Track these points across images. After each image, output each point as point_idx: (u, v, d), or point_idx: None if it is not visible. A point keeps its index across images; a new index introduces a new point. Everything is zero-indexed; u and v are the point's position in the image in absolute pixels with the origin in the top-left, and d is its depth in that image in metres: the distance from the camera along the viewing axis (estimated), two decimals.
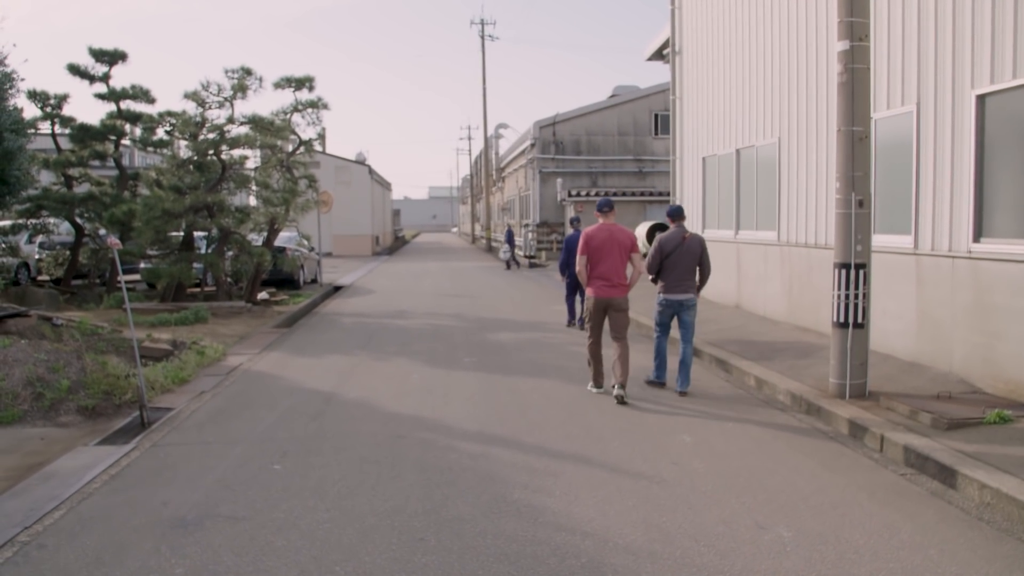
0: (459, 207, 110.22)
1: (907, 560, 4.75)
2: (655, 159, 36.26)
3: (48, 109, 18.56)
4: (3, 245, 18.23)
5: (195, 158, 18.18)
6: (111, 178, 19.82)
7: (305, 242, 24.50)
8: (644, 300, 12.80)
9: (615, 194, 33.16)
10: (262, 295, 18.84)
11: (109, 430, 7.84)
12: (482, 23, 49.77)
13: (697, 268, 9.31)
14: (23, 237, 19.58)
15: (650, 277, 9.51)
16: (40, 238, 20.59)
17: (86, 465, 6.71)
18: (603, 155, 37.28)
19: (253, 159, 20.62)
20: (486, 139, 52.69)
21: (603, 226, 9.16)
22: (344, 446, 7.22)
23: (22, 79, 14.25)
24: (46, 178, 19.99)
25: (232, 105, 18.01)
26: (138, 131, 19.68)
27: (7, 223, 18.41)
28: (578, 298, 14.15)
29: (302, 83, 18.78)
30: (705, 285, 9.52)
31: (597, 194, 33.37)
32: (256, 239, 19.16)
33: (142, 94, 18.97)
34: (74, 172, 19.07)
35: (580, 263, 9.20)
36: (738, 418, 8.08)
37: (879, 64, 9.86)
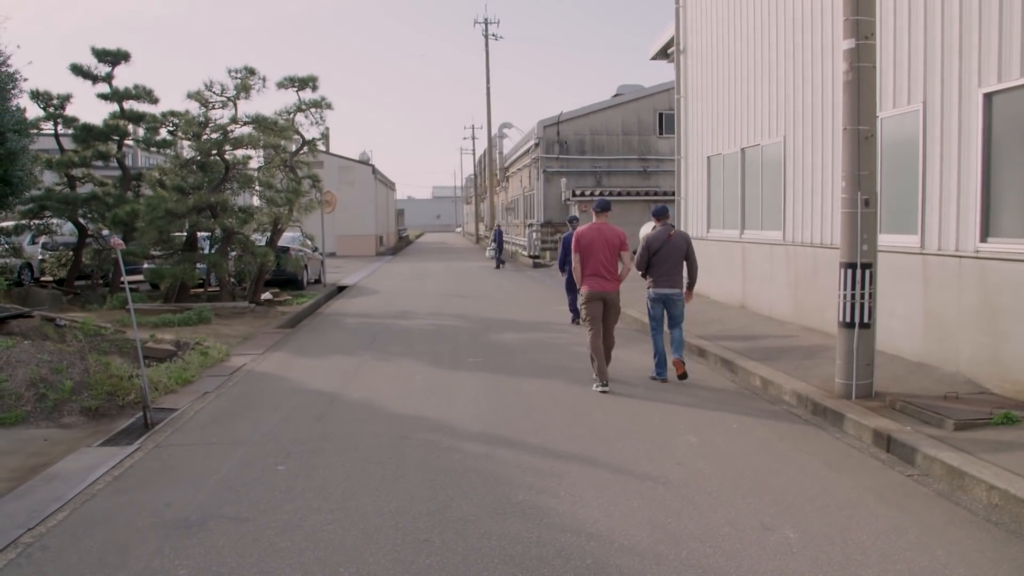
0: (463, 207, 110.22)
1: (914, 561, 4.71)
2: (660, 158, 36.20)
3: (51, 109, 18.58)
4: (6, 246, 18.25)
5: (198, 158, 18.18)
6: (114, 178, 19.84)
7: (309, 242, 24.49)
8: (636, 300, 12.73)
9: (619, 193, 33.11)
10: (265, 295, 18.83)
11: (112, 431, 7.82)
12: (486, 22, 49.86)
13: (684, 264, 9.92)
14: (26, 238, 19.61)
15: (640, 273, 10.06)
16: (43, 239, 20.61)
17: (89, 466, 6.69)
18: (607, 154, 37.22)
19: (256, 159, 20.62)
20: (490, 139, 52.73)
21: (593, 225, 9.66)
22: (348, 447, 7.20)
23: (25, 79, 14.26)
24: (49, 178, 20.00)
25: (235, 105, 18.02)
26: (141, 131, 19.69)
27: (10, 224, 18.43)
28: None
29: (305, 83, 18.77)
30: (695, 280, 10.14)
31: (601, 193, 33.33)
32: (260, 239, 19.17)
33: (145, 94, 18.97)
34: (77, 172, 19.08)
35: (574, 260, 9.70)
36: (744, 418, 8.05)
37: (885, 62, 9.83)
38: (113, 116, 18.95)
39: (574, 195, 33.58)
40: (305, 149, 19.90)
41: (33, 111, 18.02)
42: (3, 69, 13.46)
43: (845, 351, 8.13)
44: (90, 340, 11.02)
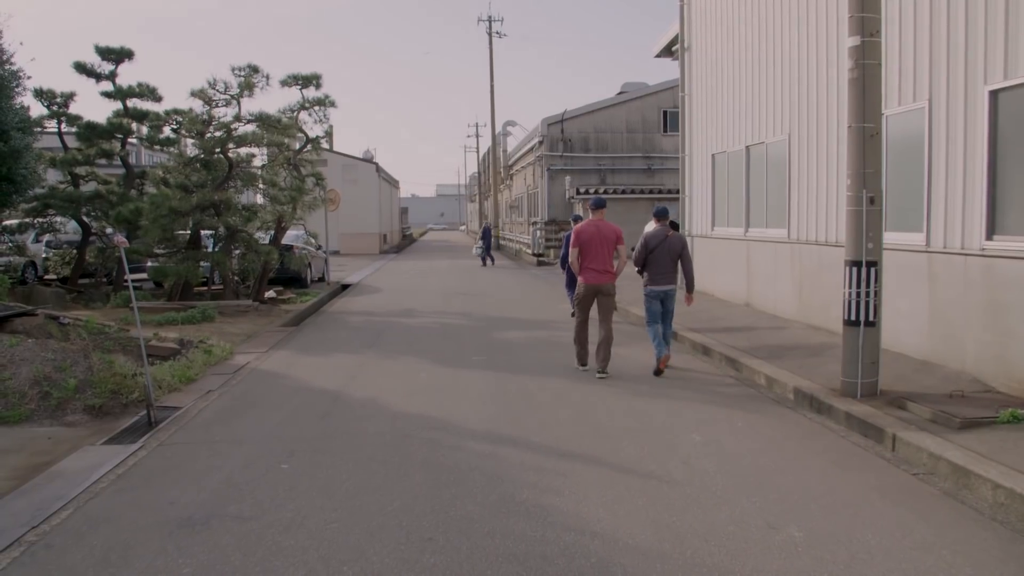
0: (467, 205, 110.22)
1: (920, 560, 4.69)
2: (664, 156, 36.15)
3: (55, 107, 18.58)
4: (10, 244, 18.27)
5: (202, 156, 18.16)
6: (118, 176, 19.84)
7: (312, 240, 24.49)
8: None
9: (623, 191, 33.10)
10: (269, 294, 18.82)
11: (116, 429, 7.82)
12: (489, 20, 49.78)
13: (679, 263, 10.44)
14: (30, 236, 19.62)
15: (636, 270, 10.60)
16: (47, 237, 20.62)
17: (93, 464, 6.69)
18: (612, 152, 37.17)
19: (260, 157, 20.60)
20: (494, 136, 52.67)
21: (591, 222, 10.31)
22: (352, 445, 7.19)
23: (29, 77, 14.29)
24: (53, 177, 20.02)
25: (239, 103, 17.99)
26: (145, 129, 19.69)
27: (14, 222, 18.44)
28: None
29: (309, 81, 18.75)
30: (693, 283, 10.61)
31: (605, 191, 33.30)
32: (263, 237, 19.14)
33: (149, 92, 18.97)
34: (81, 171, 19.07)
35: (572, 255, 10.39)
36: (748, 417, 8.03)
37: (890, 60, 9.79)
38: (117, 114, 18.96)
39: (578, 193, 33.57)
40: (309, 147, 19.87)
41: (37, 109, 18.04)
42: (6, 67, 13.46)
43: (850, 349, 8.11)
44: (94, 338, 11.01)
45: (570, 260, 10.53)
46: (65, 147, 19.16)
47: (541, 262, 33.58)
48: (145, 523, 5.40)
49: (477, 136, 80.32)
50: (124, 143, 19.67)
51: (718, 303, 15.87)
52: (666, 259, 10.34)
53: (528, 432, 7.51)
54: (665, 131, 36.69)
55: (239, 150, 18.49)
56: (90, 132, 18.75)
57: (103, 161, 19.59)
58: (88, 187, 19.30)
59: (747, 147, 15.17)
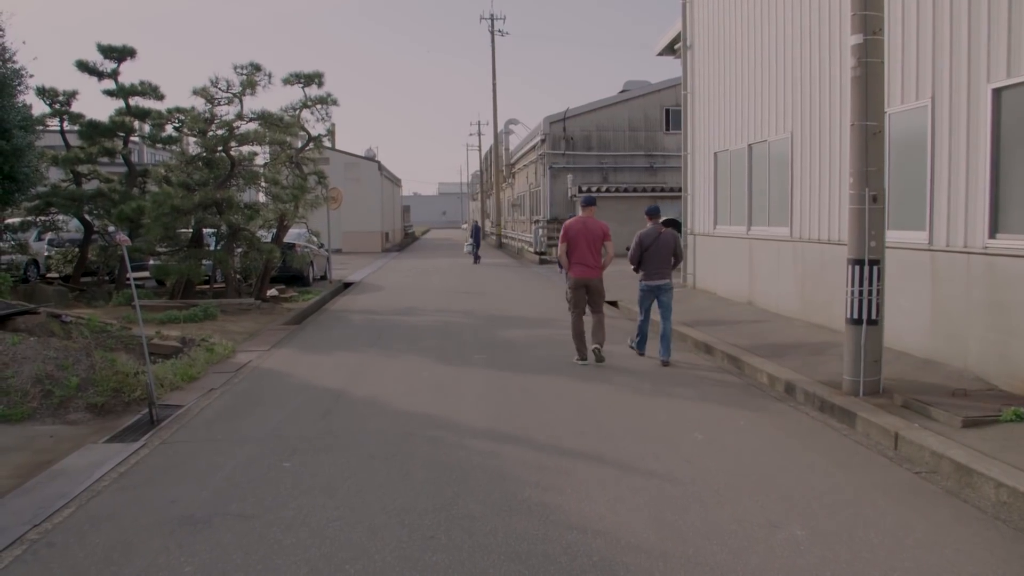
0: (469, 203, 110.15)
1: (922, 559, 4.69)
2: (666, 155, 36.11)
3: (57, 106, 18.57)
4: (12, 242, 18.27)
5: (204, 154, 18.17)
6: (120, 175, 19.83)
7: (315, 239, 24.48)
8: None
9: (626, 190, 33.10)
10: (271, 292, 18.82)
11: (118, 428, 7.82)
12: (491, 18, 49.74)
13: (672, 257, 10.93)
14: (32, 234, 19.60)
15: (632, 267, 11.10)
16: (49, 235, 20.60)
17: (95, 463, 6.69)
18: (614, 151, 37.15)
19: (262, 155, 20.61)
20: (496, 135, 52.65)
21: (580, 218, 10.92)
22: (354, 444, 7.19)
23: (31, 76, 14.30)
24: (55, 175, 20.02)
25: (241, 101, 17.98)
26: (147, 127, 19.70)
27: (16, 220, 18.44)
28: None
29: (311, 79, 18.73)
30: (678, 265, 11.28)
31: (608, 190, 33.31)
32: (265, 236, 19.14)
33: (151, 90, 18.96)
34: (83, 169, 19.08)
35: (560, 248, 11.00)
36: (751, 415, 8.02)
37: (893, 58, 9.77)
38: (119, 112, 18.96)
39: (580, 191, 33.56)
40: (311, 145, 19.86)
41: (39, 107, 18.04)
42: (9, 66, 13.46)
43: (853, 348, 8.10)
44: (96, 337, 11.01)
45: (559, 254, 11.16)
46: (67, 145, 19.16)
47: (543, 260, 33.58)
48: (147, 521, 5.40)
49: (479, 134, 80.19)
50: (126, 141, 19.66)
51: (720, 301, 15.86)
52: (660, 255, 10.84)
53: (530, 430, 7.51)
54: (667, 129, 36.66)
55: (241, 148, 18.51)
56: (92, 130, 18.74)
57: (105, 159, 19.60)
58: (90, 185, 19.31)
59: (749, 145, 15.15)
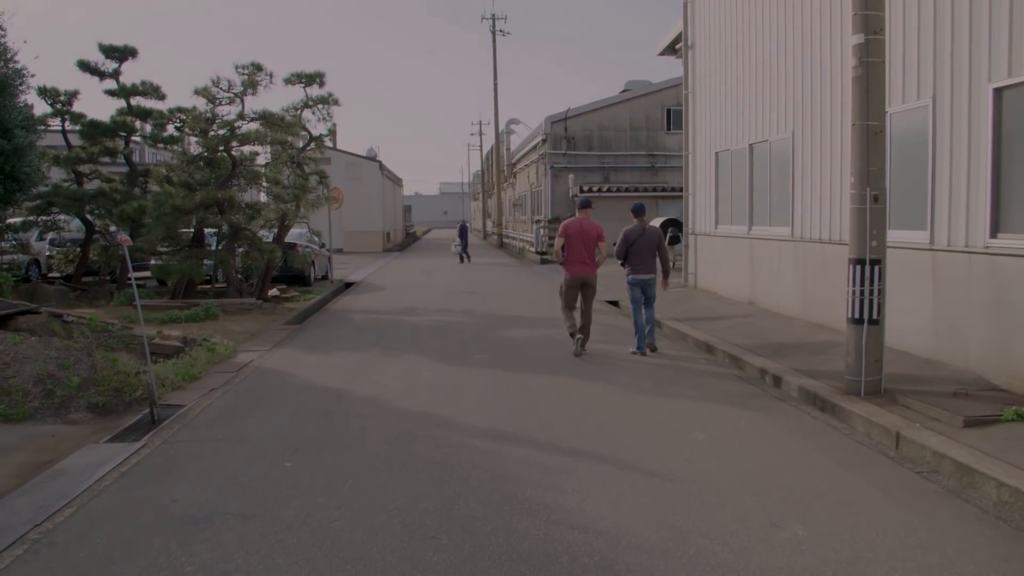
0: (470, 203, 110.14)
1: (924, 559, 4.68)
2: (667, 154, 36.09)
3: (58, 106, 18.57)
4: (14, 242, 18.28)
5: (205, 154, 18.17)
6: (121, 174, 19.85)
7: (316, 238, 24.48)
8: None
9: (627, 189, 33.09)
10: (272, 292, 18.83)
11: (119, 427, 7.82)
12: (493, 18, 49.73)
13: (656, 254, 11.66)
14: (34, 234, 19.61)
15: (619, 262, 11.84)
16: (50, 235, 20.61)
17: (96, 462, 6.69)
18: (615, 150, 37.13)
19: (263, 155, 20.60)
20: (497, 135, 52.66)
21: (577, 220, 11.54)
22: (355, 443, 7.19)
23: (32, 75, 14.26)
24: (56, 175, 20.01)
25: (242, 101, 17.98)
26: (148, 127, 19.69)
27: (18, 220, 18.45)
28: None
29: (312, 79, 18.72)
30: (668, 268, 11.98)
31: (609, 190, 33.31)
32: (267, 235, 19.15)
33: (152, 90, 18.96)
34: (84, 169, 19.08)
35: (557, 245, 11.65)
36: (752, 415, 8.02)
37: (894, 58, 9.77)
38: (120, 112, 18.96)
39: (581, 191, 33.55)
40: (312, 145, 19.85)
41: (40, 107, 18.02)
42: (10, 65, 13.46)
43: (854, 347, 8.09)
44: (97, 336, 11.02)
45: (555, 251, 11.82)
46: (69, 145, 19.17)
47: (544, 260, 33.58)
48: (148, 521, 5.40)
49: (480, 134, 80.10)
50: (128, 141, 19.67)
51: (722, 301, 15.85)
52: (644, 251, 11.59)
53: (531, 430, 7.51)
54: (668, 129, 36.65)
55: (242, 148, 18.51)
56: (94, 130, 18.75)
57: (107, 159, 19.60)
58: (92, 185, 19.31)
59: (750, 145, 15.15)
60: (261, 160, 20.23)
